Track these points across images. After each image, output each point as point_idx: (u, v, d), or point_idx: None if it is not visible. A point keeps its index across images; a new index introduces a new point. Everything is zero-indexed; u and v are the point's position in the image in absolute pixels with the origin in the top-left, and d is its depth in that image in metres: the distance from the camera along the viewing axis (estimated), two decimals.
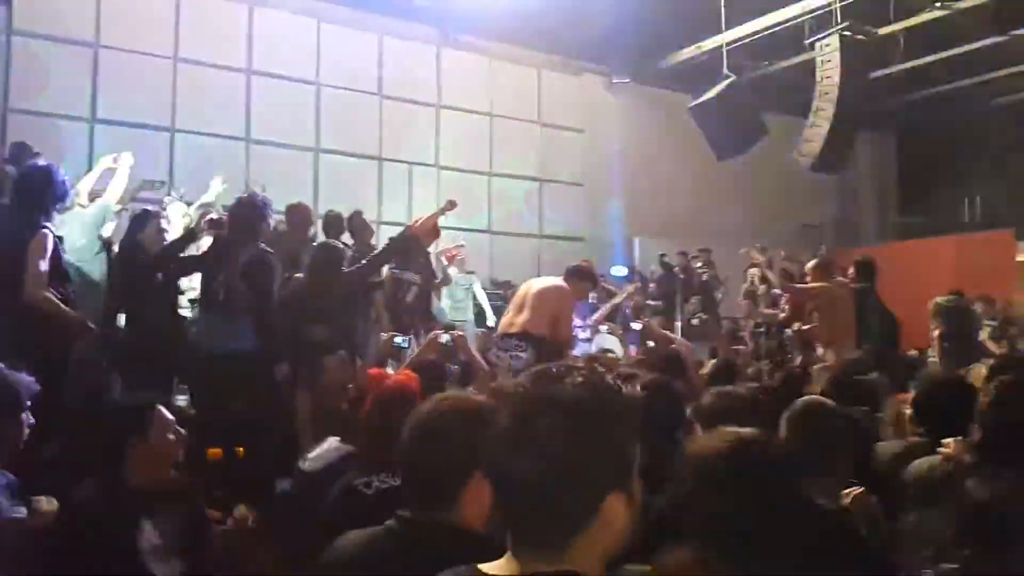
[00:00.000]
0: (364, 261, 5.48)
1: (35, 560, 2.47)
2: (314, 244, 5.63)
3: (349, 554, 1.72)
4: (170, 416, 2.64)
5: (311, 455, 2.99)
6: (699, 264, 11.16)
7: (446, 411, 1.74)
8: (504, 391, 1.20)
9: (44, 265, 4.00)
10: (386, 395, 2.65)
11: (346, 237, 6.80)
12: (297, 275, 5.36)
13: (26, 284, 3.94)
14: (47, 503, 2.66)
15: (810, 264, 6.99)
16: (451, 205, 6.68)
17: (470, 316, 8.87)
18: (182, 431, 2.67)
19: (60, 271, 4.21)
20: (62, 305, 4.07)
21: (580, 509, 1.13)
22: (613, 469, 1.15)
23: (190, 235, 5.00)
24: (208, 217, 5.35)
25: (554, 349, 5.63)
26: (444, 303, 8.89)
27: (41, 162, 4.50)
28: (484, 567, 1.20)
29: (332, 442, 3.00)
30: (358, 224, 7.02)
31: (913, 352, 6.77)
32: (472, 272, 9.46)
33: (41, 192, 4.19)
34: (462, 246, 8.60)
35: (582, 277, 5.91)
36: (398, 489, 1.98)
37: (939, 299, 5.25)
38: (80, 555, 2.35)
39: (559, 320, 5.53)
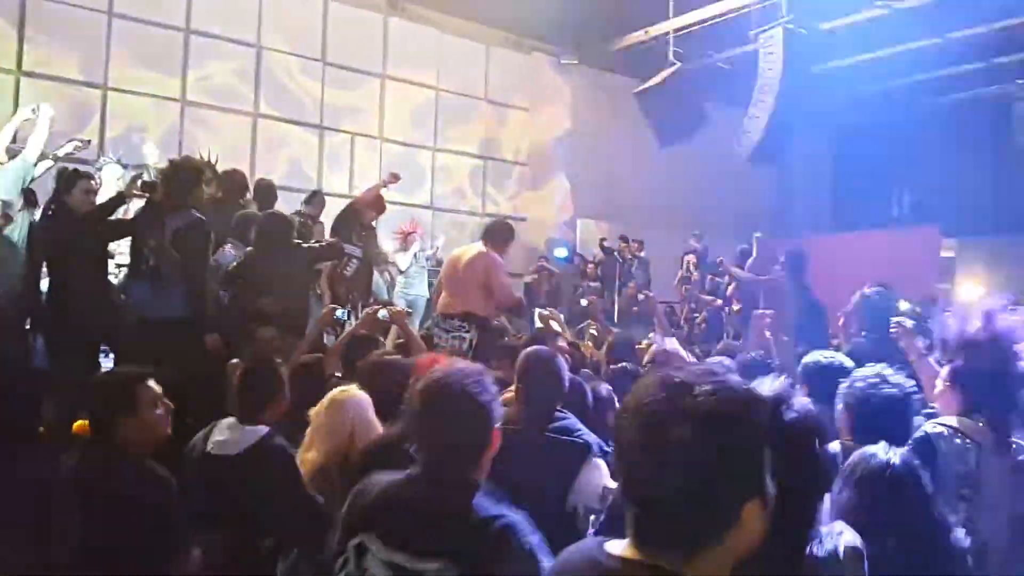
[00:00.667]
0: (323, 244, 5.43)
1: None
2: (266, 213, 5.48)
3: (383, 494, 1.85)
4: (158, 389, 2.63)
5: (217, 437, 2.86)
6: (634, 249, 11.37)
7: (456, 384, 1.83)
8: (635, 402, 1.17)
9: None
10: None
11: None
12: (233, 243, 5.24)
13: None
14: None
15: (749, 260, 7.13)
16: (394, 178, 6.55)
17: (424, 291, 8.80)
18: (170, 404, 2.67)
19: None
20: None
21: (719, 522, 1.12)
22: (750, 477, 1.14)
23: (120, 198, 4.83)
24: (140, 180, 5.16)
25: (496, 328, 5.65)
26: (398, 281, 8.84)
27: None
28: (610, 547, 1.20)
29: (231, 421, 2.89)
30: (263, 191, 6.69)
31: (836, 342, 6.96)
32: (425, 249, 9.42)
33: None
34: (416, 224, 8.40)
35: (498, 234, 5.76)
36: None
37: (865, 291, 5.40)
38: None
39: (491, 288, 5.48)
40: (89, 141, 6.12)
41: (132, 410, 2.54)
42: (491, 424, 1.84)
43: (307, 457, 2.90)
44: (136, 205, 5.19)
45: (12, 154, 5.51)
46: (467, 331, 5.31)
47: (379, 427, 2.94)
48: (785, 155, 10.70)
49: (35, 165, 5.27)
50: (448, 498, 1.76)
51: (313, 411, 2.98)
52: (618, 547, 1.20)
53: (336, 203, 7.03)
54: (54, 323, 4.65)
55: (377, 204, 6.50)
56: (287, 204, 6.73)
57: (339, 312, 4.76)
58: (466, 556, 1.67)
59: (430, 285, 8.87)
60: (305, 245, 5.21)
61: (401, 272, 8.82)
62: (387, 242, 8.65)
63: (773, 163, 11.11)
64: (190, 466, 2.90)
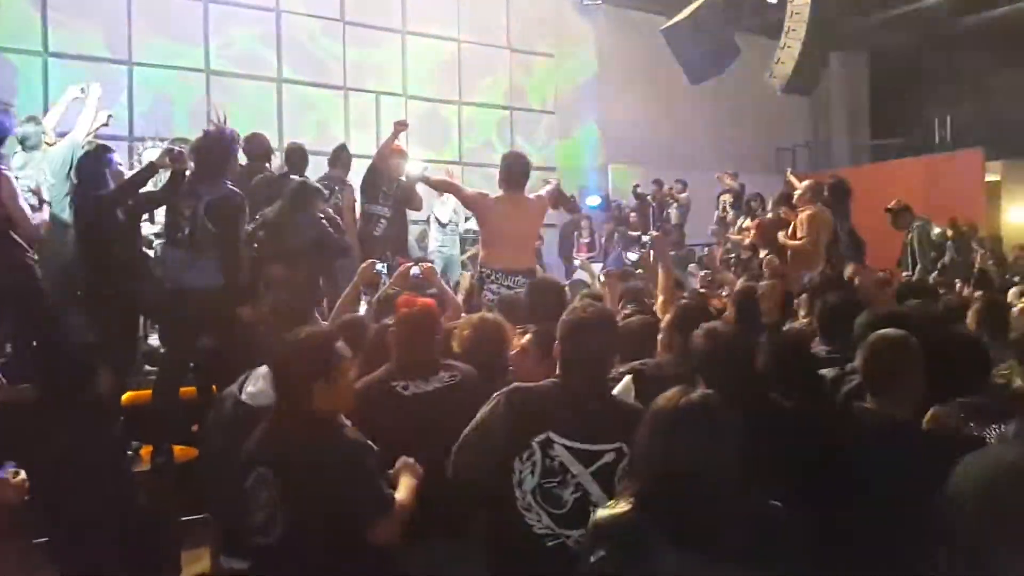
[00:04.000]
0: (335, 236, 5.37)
1: None
2: (297, 182, 5.50)
3: (541, 403, 2.34)
4: (350, 353, 2.47)
5: (250, 388, 2.80)
6: (674, 191, 11.12)
7: (608, 316, 2.53)
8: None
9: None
10: (413, 314, 2.90)
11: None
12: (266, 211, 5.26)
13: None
14: (15, 476, 2.57)
15: (803, 185, 6.92)
16: (402, 126, 6.47)
17: (457, 251, 8.75)
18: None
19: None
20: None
21: None
22: None
23: (150, 168, 4.86)
24: (171, 150, 5.17)
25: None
26: (433, 234, 8.76)
27: None
28: None
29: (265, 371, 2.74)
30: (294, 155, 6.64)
31: (881, 273, 6.83)
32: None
33: None
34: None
35: (524, 175, 5.49)
36: (430, 394, 2.74)
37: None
38: None
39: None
40: (111, 116, 6.15)
41: (329, 374, 2.33)
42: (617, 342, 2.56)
43: None
44: (166, 176, 5.21)
45: (62, 133, 5.62)
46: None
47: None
48: (819, 84, 10.40)
49: (83, 145, 5.35)
50: (604, 395, 2.38)
51: None
52: None
53: (364, 164, 6.99)
54: (94, 296, 4.73)
55: (395, 154, 6.43)
56: (316, 169, 6.71)
57: (378, 266, 4.74)
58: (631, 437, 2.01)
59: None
60: (324, 220, 5.21)
61: (442, 225, 8.65)
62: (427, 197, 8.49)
63: (807, 93, 10.81)
64: (223, 417, 2.86)
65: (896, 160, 14.15)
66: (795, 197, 6.88)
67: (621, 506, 1.81)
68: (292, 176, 5.88)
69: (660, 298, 4.17)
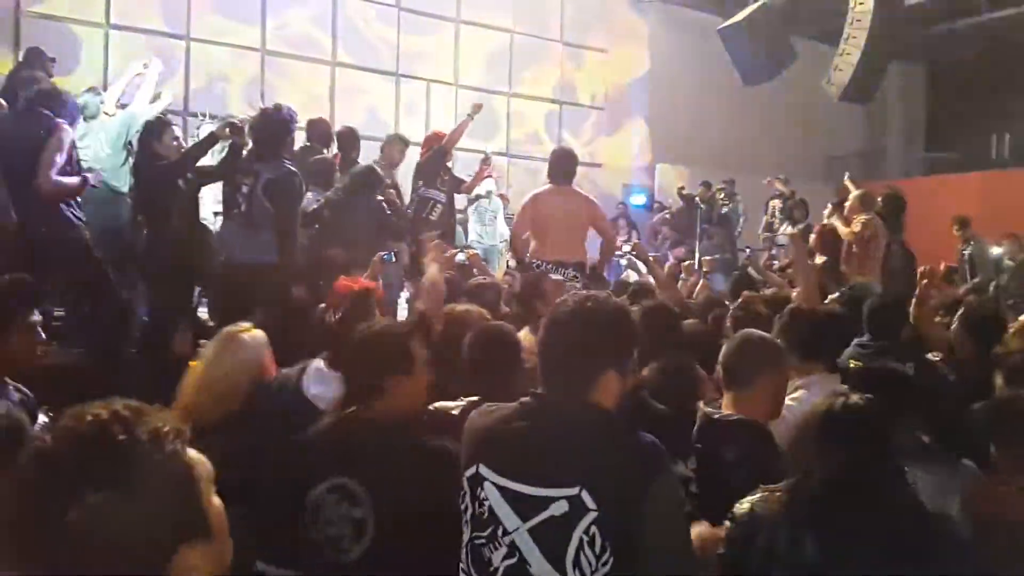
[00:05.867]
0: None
1: None
2: (360, 166, 5.59)
3: (487, 425, 1.74)
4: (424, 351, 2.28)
5: (315, 389, 2.65)
6: (722, 196, 10.96)
7: (589, 309, 1.72)
8: None
9: (60, 157, 4.20)
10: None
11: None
12: (314, 189, 5.31)
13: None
14: None
15: (853, 195, 6.80)
16: (477, 108, 6.60)
17: (497, 240, 8.77)
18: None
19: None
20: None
21: None
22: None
23: (210, 139, 4.92)
24: (231, 122, 5.21)
25: (603, 278, 5.67)
26: (472, 227, 8.81)
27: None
28: None
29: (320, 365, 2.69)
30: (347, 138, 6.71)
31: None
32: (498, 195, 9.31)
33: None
34: (489, 163, 7.88)
35: (572, 170, 5.55)
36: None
37: None
38: None
39: (604, 233, 5.56)
40: (159, 94, 6.26)
41: (409, 368, 2.17)
42: (616, 342, 1.72)
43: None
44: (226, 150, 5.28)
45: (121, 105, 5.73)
46: (579, 280, 5.21)
47: (272, 370, 2.70)
48: (876, 94, 10.20)
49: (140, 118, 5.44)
50: (580, 417, 1.64)
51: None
52: None
53: (412, 150, 7.01)
54: (150, 264, 4.81)
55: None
56: (366, 152, 6.75)
57: (386, 255, 4.76)
58: (604, 481, 1.54)
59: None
60: (384, 203, 5.26)
61: (481, 196, 8.60)
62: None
63: (864, 102, 10.60)
64: (279, 404, 2.68)
65: (952, 175, 13.83)
66: (846, 207, 6.76)
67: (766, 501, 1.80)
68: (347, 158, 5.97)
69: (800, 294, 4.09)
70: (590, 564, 1.50)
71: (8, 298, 2.57)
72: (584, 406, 1.64)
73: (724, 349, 2.57)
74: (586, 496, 1.51)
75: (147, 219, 4.88)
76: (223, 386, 2.49)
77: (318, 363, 2.75)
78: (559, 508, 1.53)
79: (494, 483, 1.62)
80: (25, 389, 2.56)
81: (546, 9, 12.10)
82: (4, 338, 2.50)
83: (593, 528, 1.51)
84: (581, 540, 1.51)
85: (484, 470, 1.64)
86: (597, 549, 1.50)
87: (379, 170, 5.65)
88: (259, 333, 2.70)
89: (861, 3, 8.59)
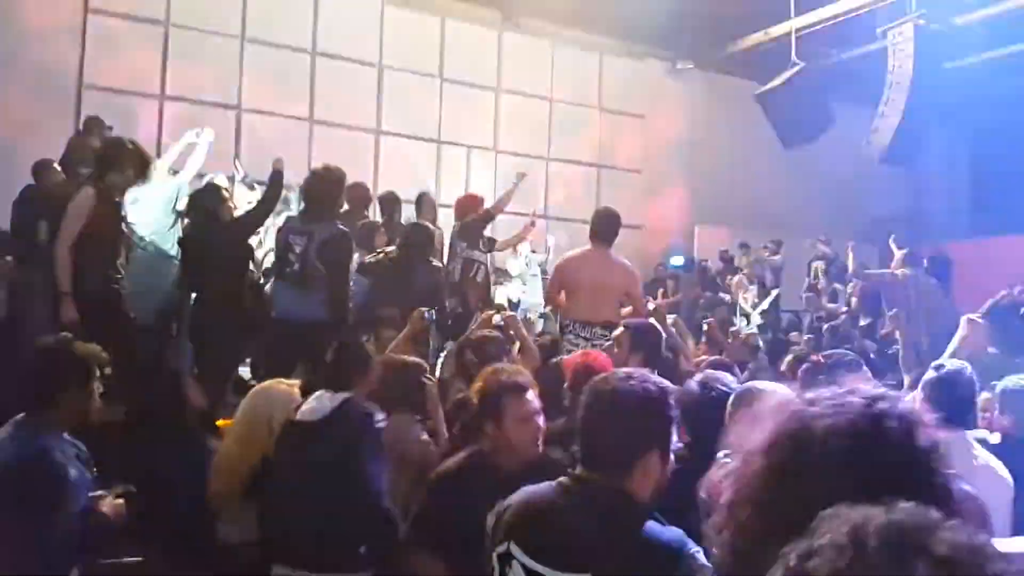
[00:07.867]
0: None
1: None
2: (412, 223, 5.78)
3: (524, 501, 1.75)
4: (536, 404, 2.49)
5: (305, 407, 2.96)
6: (767, 254, 10.86)
7: (630, 388, 1.72)
8: None
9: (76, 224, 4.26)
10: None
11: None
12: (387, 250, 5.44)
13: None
14: (112, 504, 2.61)
15: (897, 255, 6.76)
16: (522, 176, 6.75)
17: (539, 299, 8.82)
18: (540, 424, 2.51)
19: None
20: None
21: None
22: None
23: (269, 209, 5.03)
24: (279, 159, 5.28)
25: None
26: (515, 286, 8.90)
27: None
28: None
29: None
30: (426, 206, 6.94)
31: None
32: (539, 254, 9.45)
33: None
34: (533, 224, 8.04)
35: (614, 232, 5.53)
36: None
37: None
38: None
39: (635, 300, 5.40)
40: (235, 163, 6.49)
41: (498, 420, 2.43)
42: (658, 433, 1.70)
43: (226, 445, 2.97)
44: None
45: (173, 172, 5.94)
46: (608, 340, 5.18)
47: None
48: (919, 156, 10.15)
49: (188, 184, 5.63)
50: (606, 508, 1.63)
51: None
52: None
53: (449, 212, 7.15)
54: (202, 327, 4.88)
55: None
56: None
57: (427, 313, 4.80)
58: (612, 572, 1.56)
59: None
60: (439, 265, 5.34)
61: (513, 277, 8.81)
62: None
63: (906, 164, 10.55)
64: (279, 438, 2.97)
65: (998, 238, 13.61)
66: (891, 266, 6.73)
67: None
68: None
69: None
70: None
71: (91, 360, 2.68)
72: (615, 494, 1.65)
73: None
74: None
75: (200, 282, 4.96)
76: None
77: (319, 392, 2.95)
78: None
79: (522, 563, 1.64)
80: (80, 444, 2.64)
81: (585, 78, 12.33)
82: (79, 396, 2.60)
83: None
84: None
85: (515, 549, 1.66)
86: None
87: (429, 228, 5.72)
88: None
89: (900, 67, 8.62)
